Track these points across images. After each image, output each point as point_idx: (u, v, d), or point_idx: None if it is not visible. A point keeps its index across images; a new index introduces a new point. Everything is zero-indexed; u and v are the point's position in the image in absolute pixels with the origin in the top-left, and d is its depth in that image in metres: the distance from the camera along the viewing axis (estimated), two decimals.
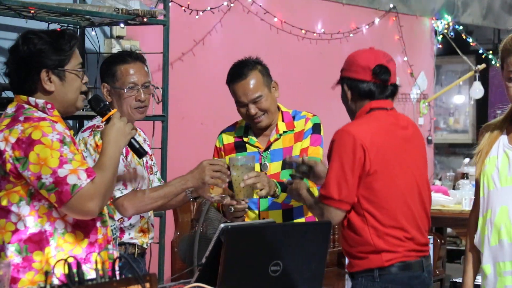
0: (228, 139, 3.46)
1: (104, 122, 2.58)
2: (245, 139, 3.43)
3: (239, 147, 3.44)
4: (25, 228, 2.44)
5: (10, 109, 2.54)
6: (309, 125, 3.41)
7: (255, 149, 3.41)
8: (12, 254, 2.43)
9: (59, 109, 2.56)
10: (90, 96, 2.72)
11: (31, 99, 2.52)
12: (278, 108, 3.42)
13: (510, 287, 2.73)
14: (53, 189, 2.38)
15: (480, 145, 2.88)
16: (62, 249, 2.45)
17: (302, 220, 3.39)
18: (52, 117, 2.50)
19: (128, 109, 3.27)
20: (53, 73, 2.52)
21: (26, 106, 2.52)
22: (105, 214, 2.58)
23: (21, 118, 2.46)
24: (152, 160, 3.44)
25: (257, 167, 3.32)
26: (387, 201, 2.88)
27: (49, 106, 2.52)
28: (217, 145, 3.48)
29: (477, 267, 2.89)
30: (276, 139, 3.38)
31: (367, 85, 2.94)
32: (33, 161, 2.38)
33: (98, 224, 2.54)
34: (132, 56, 3.32)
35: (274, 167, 3.35)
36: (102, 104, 2.62)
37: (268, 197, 3.27)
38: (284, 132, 3.38)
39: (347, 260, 3.03)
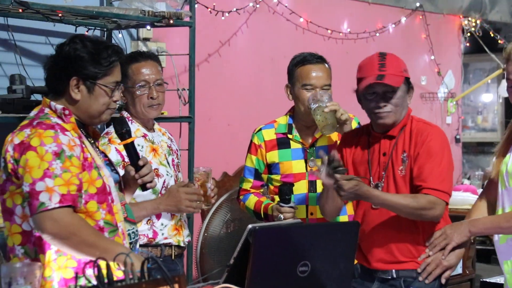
0: (270, 135, 3.48)
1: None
2: (290, 136, 3.45)
3: (283, 143, 3.46)
4: (31, 229, 2.41)
5: (34, 112, 2.55)
6: (355, 124, 3.45)
7: (300, 146, 3.44)
8: (23, 256, 2.42)
9: (82, 117, 2.55)
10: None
11: (52, 104, 2.51)
12: None
13: None
14: (27, 198, 2.37)
15: (497, 145, 2.89)
16: (64, 253, 2.40)
17: (345, 217, 3.40)
18: (66, 124, 2.48)
19: (141, 108, 3.31)
20: (83, 83, 2.50)
21: (46, 110, 2.51)
22: (113, 223, 2.50)
23: (35, 123, 2.45)
24: (178, 158, 3.47)
25: (303, 163, 3.39)
26: None
27: (66, 112, 2.50)
28: (256, 142, 3.50)
29: (485, 211, 2.93)
30: (322, 136, 3.42)
31: None
32: (22, 165, 2.37)
33: (105, 234, 2.47)
34: (143, 55, 3.36)
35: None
36: (124, 129, 2.72)
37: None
38: None
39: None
